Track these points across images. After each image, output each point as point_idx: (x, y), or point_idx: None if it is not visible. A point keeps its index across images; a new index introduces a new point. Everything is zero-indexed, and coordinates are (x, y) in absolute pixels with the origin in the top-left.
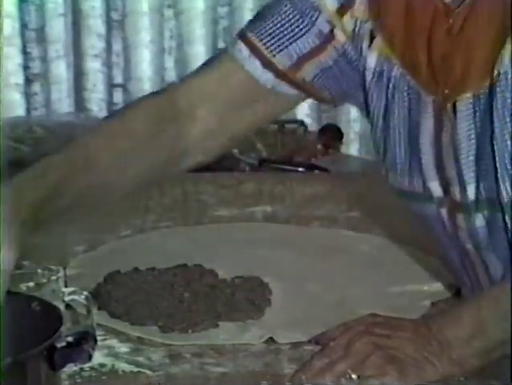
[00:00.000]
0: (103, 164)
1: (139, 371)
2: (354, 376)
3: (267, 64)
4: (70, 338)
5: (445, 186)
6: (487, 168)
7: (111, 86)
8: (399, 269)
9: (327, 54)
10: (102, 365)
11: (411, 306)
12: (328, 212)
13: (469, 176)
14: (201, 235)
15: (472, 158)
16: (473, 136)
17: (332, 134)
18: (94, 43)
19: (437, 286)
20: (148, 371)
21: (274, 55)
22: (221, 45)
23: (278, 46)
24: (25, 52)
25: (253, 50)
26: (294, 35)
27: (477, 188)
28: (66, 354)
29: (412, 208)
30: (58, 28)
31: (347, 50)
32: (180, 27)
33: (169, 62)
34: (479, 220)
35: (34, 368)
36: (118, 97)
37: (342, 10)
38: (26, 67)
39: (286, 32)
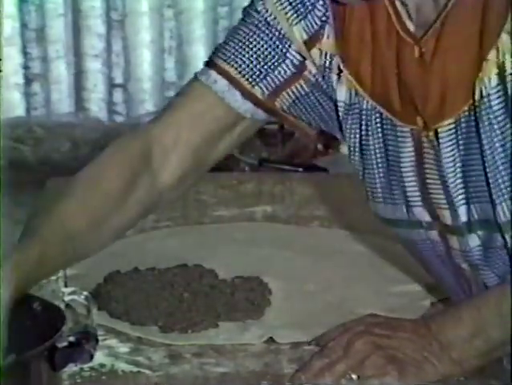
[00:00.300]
0: (79, 230)
1: (139, 371)
2: (354, 376)
3: (247, 95)
4: (71, 338)
5: (433, 211)
6: (477, 190)
7: (111, 86)
8: (399, 269)
9: (301, 83)
10: (102, 365)
11: (410, 306)
12: (328, 212)
13: (459, 198)
14: (201, 235)
15: (459, 181)
16: (458, 160)
17: (332, 134)
18: (94, 43)
19: (437, 286)
20: (148, 371)
21: (253, 86)
22: None
23: (258, 76)
24: (25, 52)
25: (232, 81)
26: (270, 66)
27: (468, 209)
28: (67, 354)
29: (398, 234)
30: (58, 28)
31: (319, 81)
32: (180, 27)
33: (169, 62)
34: (473, 241)
35: (35, 368)
36: (118, 97)
37: (310, 42)
38: (26, 67)
39: (262, 63)
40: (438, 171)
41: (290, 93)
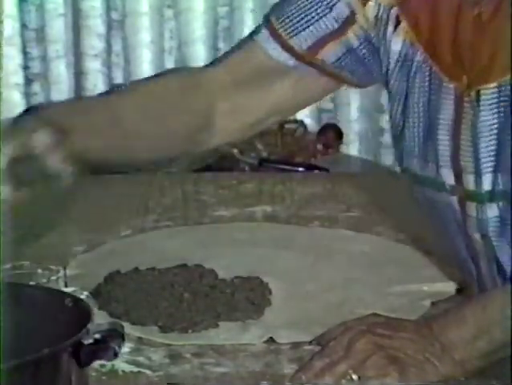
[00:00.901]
0: (130, 124)
1: (139, 371)
2: (354, 377)
3: (286, 46)
4: (97, 335)
5: (458, 174)
6: (506, 160)
7: (111, 86)
8: (399, 269)
9: (348, 37)
10: (102, 365)
11: (411, 306)
12: (328, 212)
13: (487, 165)
14: (201, 235)
15: (492, 148)
16: (495, 127)
17: (332, 134)
18: (94, 43)
19: (437, 286)
20: (148, 371)
21: (291, 37)
22: (221, 45)
23: (296, 28)
24: (25, 52)
25: (273, 32)
26: (310, 19)
27: (495, 178)
28: (92, 351)
29: (421, 194)
30: (58, 28)
31: (369, 35)
32: (180, 27)
33: (169, 62)
34: (492, 211)
35: (61, 364)
36: None
37: None
38: (26, 67)
39: (303, 16)
40: (473, 134)
41: (336, 46)
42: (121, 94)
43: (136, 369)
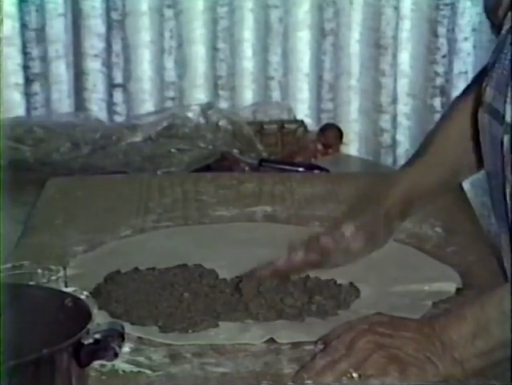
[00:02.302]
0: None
1: (139, 371)
2: (355, 375)
3: None
4: (97, 335)
5: None
6: None
7: (111, 86)
8: (399, 269)
9: None
10: (102, 365)
11: (412, 306)
12: (328, 212)
13: None
14: (201, 235)
15: None
16: None
17: (332, 134)
18: (94, 43)
19: (438, 286)
20: (148, 371)
21: None
22: (221, 45)
23: None
24: (25, 52)
25: None
26: None
27: None
28: (92, 351)
29: (489, 127)
30: (58, 28)
31: None
32: (180, 27)
33: (169, 62)
34: None
35: (61, 363)
36: (118, 97)
37: None
38: (26, 67)
39: None
40: None
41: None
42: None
43: (136, 369)
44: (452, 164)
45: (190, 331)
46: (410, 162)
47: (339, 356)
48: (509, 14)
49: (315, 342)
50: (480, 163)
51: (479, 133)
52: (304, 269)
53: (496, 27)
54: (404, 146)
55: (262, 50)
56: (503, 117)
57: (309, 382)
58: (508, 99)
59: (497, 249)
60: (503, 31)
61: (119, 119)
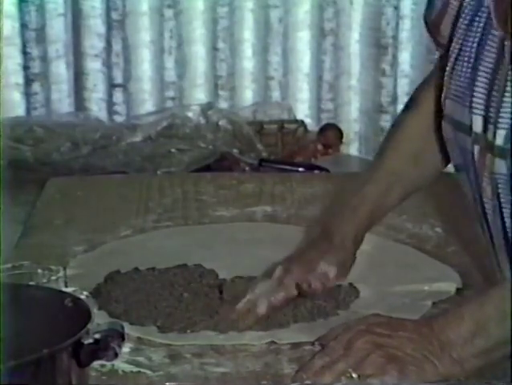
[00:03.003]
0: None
1: (139, 371)
2: (354, 375)
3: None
4: (97, 335)
5: (486, 123)
6: None
7: (111, 86)
8: (399, 269)
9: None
10: (102, 365)
11: (412, 306)
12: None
13: (505, 120)
14: (201, 235)
15: None
16: None
17: (332, 134)
18: (94, 43)
19: (438, 286)
20: (148, 371)
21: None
22: (220, 45)
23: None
24: (25, 52)
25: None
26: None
27: (506, 136)
28: (92, 351)
29: (454, 139)
30: (58, 28)
31: None
32: (180, 27)
33: (169, 62)
34: (502, 167)
35: (60, 364)
36: (118, 97)
37: None
38: (26, 67)
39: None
40: (504, 85)
41: (446, 22)
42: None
43: (136, 369)
44: (407, 181)
45: (189, 331)
46: (366, 179)
47: (337, 356)
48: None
49: (312, 343)
50: (434, 174)
51: (434, 143)
52: (282, 307)
53: (436, 41)
54: None
55: (262, 50)
56: (470, 128)
57: (308, 382)
58: (474, 110)
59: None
60: (454, 44)
61: (119, 119)
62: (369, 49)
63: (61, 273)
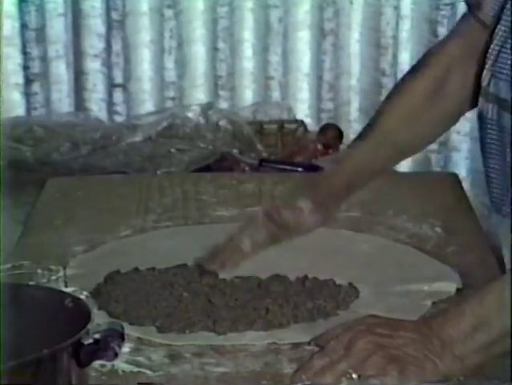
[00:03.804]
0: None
1: (139, 371)
2: (354, 376)
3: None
4: (97, 335)
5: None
6: None
7: (111, 86)
8: (399, 269)
9: None
10: (102, 365)
11: (411, 306)
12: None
13: None
14: (201, 235)
15: None
16: None
17: (332, 134)
18: (94, 43)
19: (438, 286)
20: (148, 371)
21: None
22: (221, 45)
23: None
24: (25, 52)
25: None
26: None
27: None
28: (92, 351)
29: (494, 117)
30: (58, 28)
31: None
32: (180, 27)
33: (169, 62)
34: None
35: (60, 364)
36: (118, 97)
37: None
38: (26, 67)
39: None
40: None
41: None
42: (390, 118)
43: (136, 369)
44: (398, 143)
45: (188, 331)
46: (361, 137)
47: (337, 357)
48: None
49: (308, 343)
50: (425, 143)
51: (427, 113)
52: (266, 245)
53: (476, 17)
54: None
55: (262, 50)
56: None
57: (308, 382)
58: None
59: (497, 249)
60: (503, 22)
61: (119, 119)
62: (369, 49)
63: (61, 273)
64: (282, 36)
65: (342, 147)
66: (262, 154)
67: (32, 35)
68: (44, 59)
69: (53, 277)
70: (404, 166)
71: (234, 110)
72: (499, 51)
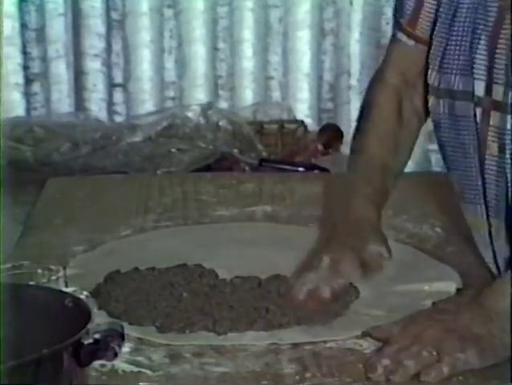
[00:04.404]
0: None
1: (139, 371)
2: (434, 353)
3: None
4: (97, 335)
5: (489, 85)
6: None
7: (111, 86)
8: (399, 269)
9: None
10: (102, 365)
11: (411, 306)
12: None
13: None
14: (201, 235)
15: None
16: None
17: (332, 134)
18: (94, 43)
19: (438, 286)
20: (148, 371)
21: (400, 16)
22: (221, 45)
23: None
24: (25, 52)
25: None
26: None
27: None
28: (92, 351)
29: (446, 111)
30: (58, 28)
31: None
32: (180, 27)
33: (169, 62)
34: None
35: (60, 364)
36: (118, 97)
37: None
38: (26, 67)
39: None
40: (509, 48)
41: (424, 15)
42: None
43: (136, 369)
44: (389, 168)
45: (187, 331)
46: (365, 168)
47: (409, 343)
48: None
49: (362, 334)
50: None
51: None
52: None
53: (412, 36)
54: None
55: (262, 50)
56: (472, 94)
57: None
58: (475, 76)
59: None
60: (439, 24)
61: (119, 119)
62: (369, 49)
63: (61, 273)
64: (282, 36)
65: (342, 147)
66: (262, 154)
67: (32, 35)
68: (44, 59)
69: (53, 277)
70: None
71: (234, 110)
72: (444, 49)
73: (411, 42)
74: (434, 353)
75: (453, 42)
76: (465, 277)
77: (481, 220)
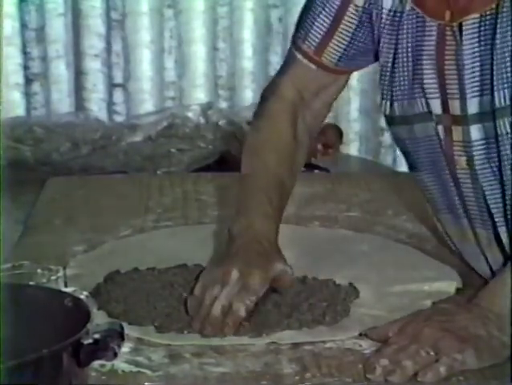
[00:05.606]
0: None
1: (139, 371)
2: (432, 353)
3: (302, 51)
4: (96, 335)
5: (445, 102)
6: (489, 83)
7: (111, 86)
8: (399, 269)
9: (343, 28)
10: (102, 365)
11: (411, 306)
12: (328, 212)
13: (472, 90)
14: (201, 235)
15: (477, 74)
16: (477, 54)
17: (332, 134)
18: (94, 43)
19: (438, 286)
20: (148, 371)
21: (303, 41)
22: (220, 45)
23: (305, 32)
24: (25, 52)
25: (294, 43)
26: (311, 19)
27: (480, 101)
28: (92, 351)
29: (406, 134)
30: (58, 28)
31: (365, 8)
32: (180, 27)
33: (169, 62)
34: (477, 133)
35: (60, 364)
36: (118, 97)
37: None
38: (26, 67)
39: (305, 17)
40: (457, 64)
41: (334, 45)
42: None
43: (135, 369)
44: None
45: (186, 332)
46: (264, 184)
47: (407, 342)
48: None
49: (359, 334)
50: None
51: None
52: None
53: (318, 64)
54: None
55: (262, 50)
56: (429, 113)
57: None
58: (428, 95)
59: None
60: (385, 54)
61: (119, 119)
62: None
63: (61, 273)
64: (282, 36)
65: (342, 147)
66: None
67: (32, 35)
68: (44, 59)
69: (53, 277)
70: (404, 166)
71: (234, 110)
72: (391, 78)
73: (313, 66)
74: (432, 353)
75: (399, 69)
76: (465, 277)
77: (467, 231)
